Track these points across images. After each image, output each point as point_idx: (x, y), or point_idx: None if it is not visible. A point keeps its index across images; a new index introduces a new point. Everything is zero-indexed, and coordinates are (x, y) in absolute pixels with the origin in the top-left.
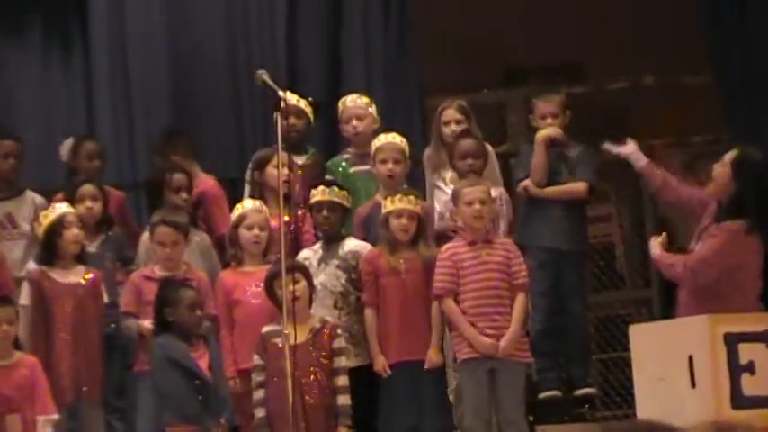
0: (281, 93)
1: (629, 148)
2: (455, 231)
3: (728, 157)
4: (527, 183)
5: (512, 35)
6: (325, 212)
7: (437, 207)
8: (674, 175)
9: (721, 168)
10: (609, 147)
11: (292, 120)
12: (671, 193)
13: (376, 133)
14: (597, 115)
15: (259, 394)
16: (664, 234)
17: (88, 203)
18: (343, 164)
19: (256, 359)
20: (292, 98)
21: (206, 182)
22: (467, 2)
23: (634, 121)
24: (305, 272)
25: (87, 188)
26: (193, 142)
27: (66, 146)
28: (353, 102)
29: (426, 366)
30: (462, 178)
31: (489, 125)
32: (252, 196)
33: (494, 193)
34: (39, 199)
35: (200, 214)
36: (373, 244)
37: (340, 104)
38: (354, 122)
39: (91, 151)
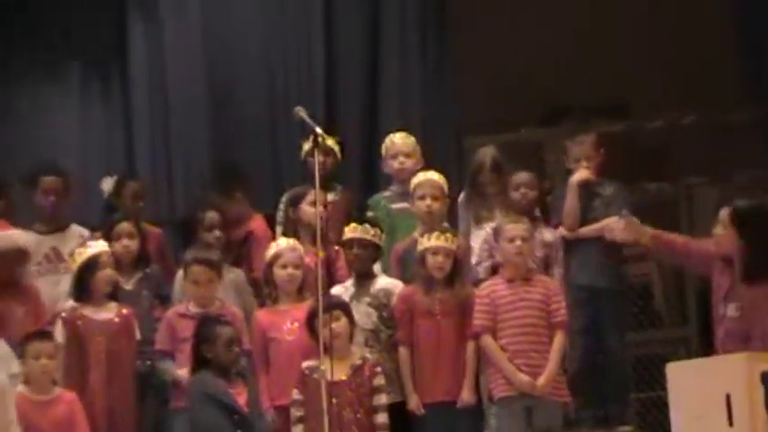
0: (318, 129)
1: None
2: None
3: (725, 217)
4: (561, 231)
5: (550, 73)
6: (355, 249)
7: (474, 247)
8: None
9: (723, 230)
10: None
11: (320, 157)
12: (681, 251)
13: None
14: (636, 153)
15: (298, 429)
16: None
17: (125, 241)
18: (383, 201)
19: (295, 393)
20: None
21: (256, 221)
22: (506, 41)
23: (672, 160)
24: (345, 309)
25: (124, 226)
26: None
27: (108, 183)
28: (402, 139)
29: (459, 405)
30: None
31: (527, 164)
32: (285, 234)
33: (549, 236)
34: (85, 233)
35: (245, 252)
36: (410, 281)
37: (387, 141)
38: (401, 158)
39: (136, 191)
